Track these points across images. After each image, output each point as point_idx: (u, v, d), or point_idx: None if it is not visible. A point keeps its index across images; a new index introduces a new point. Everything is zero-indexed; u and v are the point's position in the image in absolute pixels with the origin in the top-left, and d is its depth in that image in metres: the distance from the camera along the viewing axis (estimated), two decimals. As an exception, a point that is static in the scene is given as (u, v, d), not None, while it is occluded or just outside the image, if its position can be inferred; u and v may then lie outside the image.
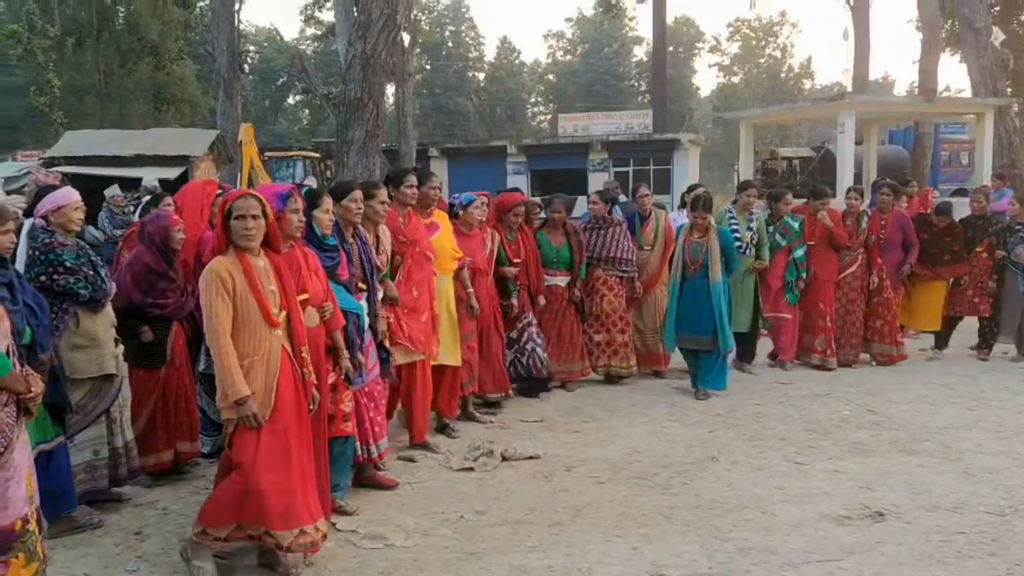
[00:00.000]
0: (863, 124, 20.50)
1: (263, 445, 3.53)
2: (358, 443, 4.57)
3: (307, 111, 59.58)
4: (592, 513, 4.45)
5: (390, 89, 25.52)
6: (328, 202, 4.34)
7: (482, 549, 4.03)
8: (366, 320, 4.59)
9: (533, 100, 70.57)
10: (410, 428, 5.59)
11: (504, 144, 31.20)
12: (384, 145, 15.78)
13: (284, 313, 3.66)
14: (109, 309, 4.41)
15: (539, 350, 6.71)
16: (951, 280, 8.23)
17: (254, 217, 3.55)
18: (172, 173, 15.45)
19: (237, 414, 3.50)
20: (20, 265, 4.17)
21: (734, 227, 7.48)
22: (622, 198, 9.89)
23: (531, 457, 5.36)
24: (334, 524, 4.28)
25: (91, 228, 10.04)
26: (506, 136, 40.13)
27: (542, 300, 6.91)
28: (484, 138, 44.17)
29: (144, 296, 4.77)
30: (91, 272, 4.29)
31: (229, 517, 3.56)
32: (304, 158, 25.91)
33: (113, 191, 11.22)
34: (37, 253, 4.21)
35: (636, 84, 65.38)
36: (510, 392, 6.65)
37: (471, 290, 5.97)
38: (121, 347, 4.52)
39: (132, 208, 12.00)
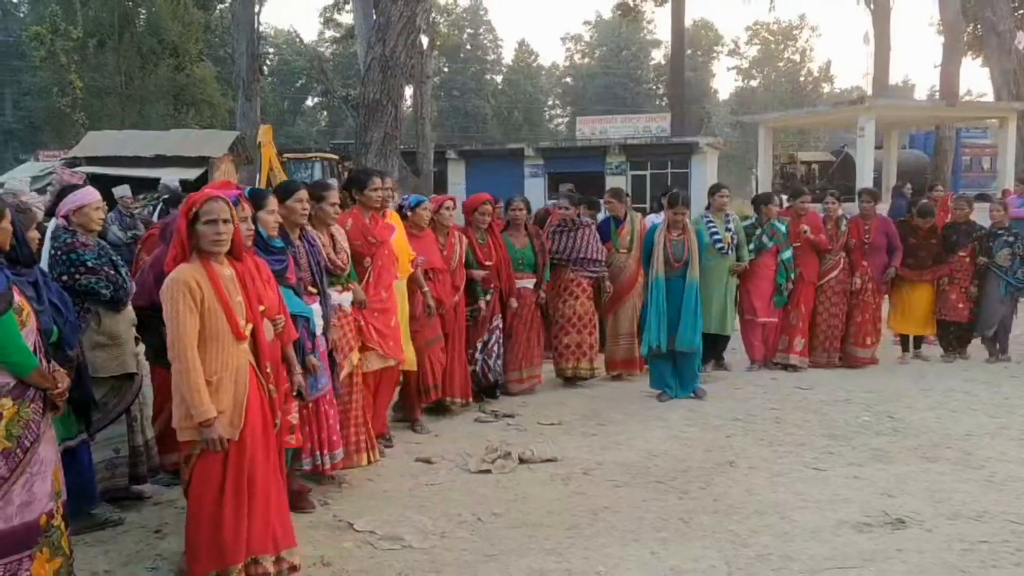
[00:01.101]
0: (883, 128, 20.39)
1: (231, 470, 3.33)
2: (317, 451, 4.47)
3: (325, 113, 59.91)
4: (609, 517, 4.44)
5: (408, 91, 25.61)
6: (273, 203, 4.17)
7: (499, 551, 4.02)
8: (318, 325, 4.40)
9: (551, 103, 70.62)
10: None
11: (522, 147, 31.25)
12: (402, 147, 15.82)
13: (251, 326, 3.44)
14: (130, 308, 4.44)
15: (496, 357, 6.78)
16: (936, 283, 8.26)
17: (225, 222, 3.32)
18: (192, 174, 15.60)
19: (201, 437, 3.26)
20: (44, 265, 4.21)
21: (713, 230, 7.54)
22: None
23: (548, 460, 5.34)
24: (351, 524, 4.30)
25: (114, 228, 10.06)
26: (524, 139, 40.23)
27: (514, 302, 6.87)
28: (502, 140, 44.28)
29: (166, 295, 4.81)
30: (112, 271, 4.32)
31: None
32: (322, 160, 25.99)
33: (123, 191, 11.05)
34: (59, 253, 4.24)
35: (654, 87, 65.27)
36: (471, 399, 6.55)
37: (427, 289, 5.90)
38: (142, 346, 4.55)
39: (152, 208, 12.00)
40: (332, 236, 4.84)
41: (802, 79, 65.27)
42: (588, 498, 4.72)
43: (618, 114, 39.57)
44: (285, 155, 24.36)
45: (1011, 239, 8.06)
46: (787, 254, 7.86)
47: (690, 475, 5.08)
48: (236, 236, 3.42)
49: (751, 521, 4.34)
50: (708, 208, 7.95)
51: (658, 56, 64.65)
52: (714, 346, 7.88)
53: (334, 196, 4.80)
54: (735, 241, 7.65)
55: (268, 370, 3.55)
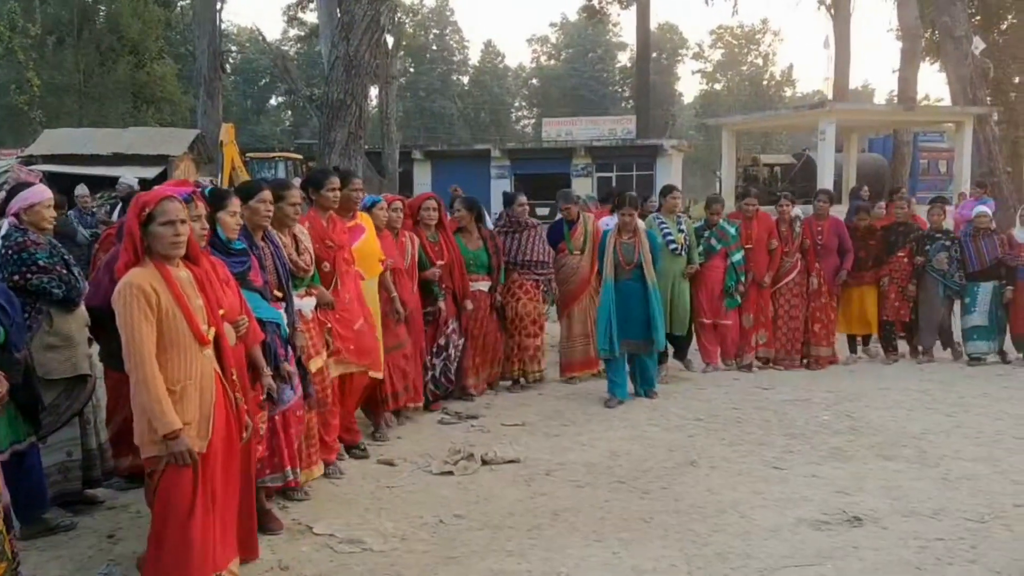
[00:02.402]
0: (843, 132, 20.67)
1: (200, 484, 3.14)
2: (288, 467, 4.24)
3: (289, 112, 59.35)
4: (571, 517, 4.43)
5: (373, 91, 25.47)
6: (235, 203, 3.96)
7: (460, 553, 4.00)
8: (286, 330, 4.23)
9: (517, 104, 70.62)
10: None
11: (488, 148, 31.27)
12: (367, 147, 15.71)
13: (212, 330, 3.26)
14: (83, 309, 4.35)
15: (450, 362, 6.60)
16: (878, 284, 8.30)
17: (182, 222, 3.16)
18: (150, 173, 15.38)
19: (168, 450, 3.05)
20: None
21: (666, 231, 7.50)
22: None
23: (511, 461, 5.33)
24: (311, 527, 4.25)
25: (81, 229, 9.88)
26: (490, 140, 40.22)
27: (469, 304, 6.68)
28: (468, 141, 44.23)
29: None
30: (64, 271, 4.23)
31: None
32: (286, 159, 25.80)
33: (81, 190, 10.93)
34: (10, 252, 4.14)
35: (620, 90, 65.58)
36: (421, 402, 6.32)
37: (395, 294, 5.77)
38: (96, 347, 4.46)
39: (108, 208, 11.80)
40: (295, 237, 4.64)
41: (765, 83, 65.97)
42: (550, 499, 4.71)
43: (584, 116, 39.74)
44: (248, 154, 24.14)
45: (948, 243, 8.15)
46: (737, 256, 7.83)
47: (652, 475, 5.09)
48: (191, 236, 3.28)
49: (712, 520, 4.36)
50: (659, 209, 7.90)
51: (624, 59, 64.92)
52: (675, 346, 7.85)
53: (294, 196, 4.59)
54: (687, 243, 7.60)
55: (234, 377, 3.37)
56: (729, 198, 17.96)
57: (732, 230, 7.88)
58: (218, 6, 25.72)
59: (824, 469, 5.17)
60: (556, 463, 5.34)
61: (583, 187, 25.97)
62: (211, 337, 3.24)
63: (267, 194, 4.26)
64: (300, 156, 26.37)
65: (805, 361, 8.19)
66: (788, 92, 65.59)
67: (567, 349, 7.57)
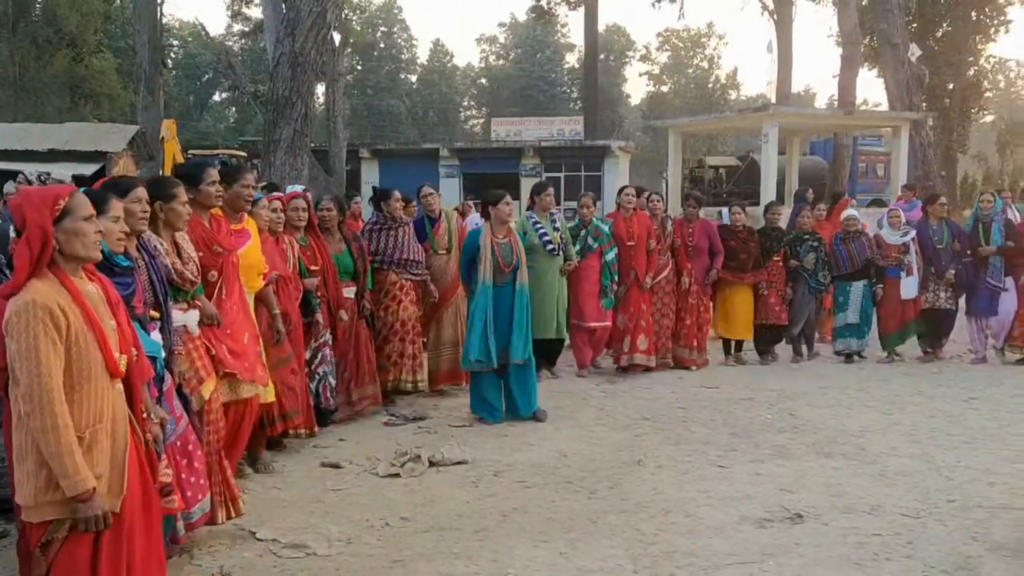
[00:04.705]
0: (785, 135, 21.05)
1: (105, 555, 2.58)
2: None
3: (234, 109, 58.37)
4: (519, 518, 4.43)
5: (320, 89, 25.21)
6: (118, 207, 3.14)
7: (407, 556, 3.97)
8: (162, 361, 3.55)
9: (466, 103, 70.53)
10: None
11: (436, 147, 31.17)
12: (313, 145, 15.55)
13: (124, 358, 2.70)
14: None
15: (330, 377, 5.87)
16: (756, 288, 8.44)
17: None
18: (88, 169, 14.98)
19: (76, 515, 2.50)
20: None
21: (541, 230, 7.29)
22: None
23: (459, 462, 5.31)
24: (254, 533, 4.17)
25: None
26: (439, 139, 40.10)
27: (344, 315, 6.05)
28: (416, 140, 44.05)
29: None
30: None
31: None
32: (230, 157, 25.38)
33: (10, 187, 10.51)
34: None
35: (568, 90, 65.90)
36: (316, 430, 5.67)
37: (277, 311, 5.10)
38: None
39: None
40: (176, 243, 3.99)
41: (710, 86, 66.84)
42: (498, 500, 4.71)
43: (532, 116, 39.89)
44: (190, 151, 23.69)
45: (815, 244, 8.46)
46: (611, 255, 7.76)
47: (599, 475, 5.12)
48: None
49: (657, 519, 4.40)
50: (531, 208, 7.60)
51: (572, 60, 65.21)
52: (548, 352, 7.62)
53: (184, 194, 3.97)
54: (564, 240, 7.40)
55: (145, 415, 2.84)
56: (675, 199, 18.15)
57: (606, 228, 7.85)
58: (159, -1, 25.20)
59: (767, 467, 5.26)
60: (504, 464, 5.34)
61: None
62: (124, 367, 2.71)
63: (141, 191, 3.59)
64: (244, 153, 26.02)
65: (672, 358, 8.20)
66: (733, 95, 66.57)
67: (435, 357, 7.10)
